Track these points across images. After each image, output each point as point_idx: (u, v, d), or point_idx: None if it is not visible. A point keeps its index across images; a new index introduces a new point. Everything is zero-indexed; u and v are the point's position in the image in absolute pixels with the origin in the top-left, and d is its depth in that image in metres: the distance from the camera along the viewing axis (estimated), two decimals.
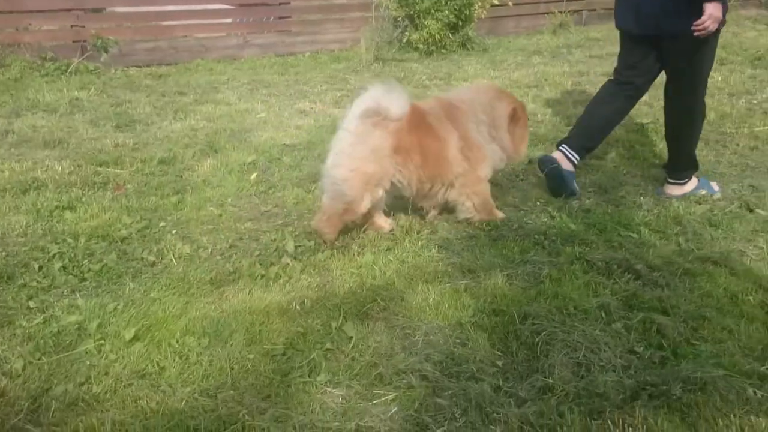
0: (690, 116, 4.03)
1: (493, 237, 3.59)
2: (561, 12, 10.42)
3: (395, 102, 3.29)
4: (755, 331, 2.75)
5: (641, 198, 4.13)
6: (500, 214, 3.81)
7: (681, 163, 4.16)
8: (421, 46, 8.87)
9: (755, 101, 6.16)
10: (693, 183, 4.22)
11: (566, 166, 4.15)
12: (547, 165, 4.16)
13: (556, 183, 4.16)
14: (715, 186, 4.26)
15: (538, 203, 4.08)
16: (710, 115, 5.73)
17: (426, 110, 3.54)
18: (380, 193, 3.44)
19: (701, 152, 4.74)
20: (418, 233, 3.63)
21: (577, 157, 4.19)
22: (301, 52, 9.09)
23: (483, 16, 9.24)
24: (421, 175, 3.48)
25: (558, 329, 2.69)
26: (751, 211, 3.98)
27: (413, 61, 8.51)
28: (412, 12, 8.91)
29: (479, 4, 9.03)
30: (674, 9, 3.64)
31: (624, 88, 4.13)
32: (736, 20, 11.46)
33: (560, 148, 4.22)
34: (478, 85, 4.44)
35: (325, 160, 3.42)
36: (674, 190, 4.20)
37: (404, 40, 9.00)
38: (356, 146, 3.30)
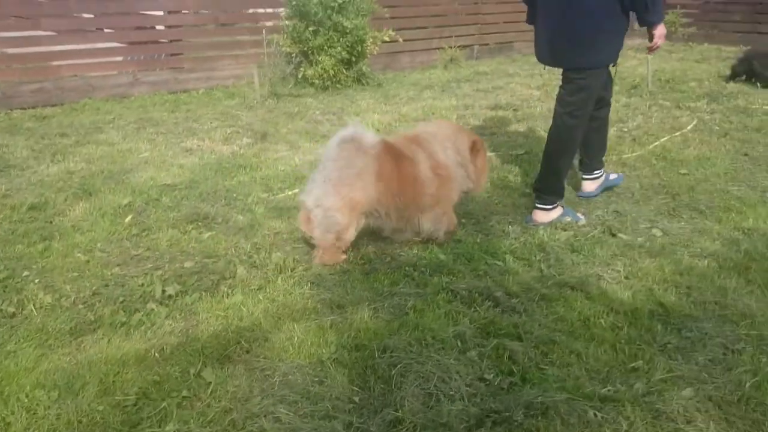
0: (566, 141, 4.31)
1: (365, 271, 3.65)
2: (451, 47, 10.76)
3: (368, 132, 3.62)
4: (603, 354, 2.90)
5: (509, 226, 4.30)
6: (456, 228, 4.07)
7: (549, 184, 4.36)
8: (316, 81, 8.97)
9: (626, 129, 6.54)
10: (558, 211, 4.43)
11: (592, 187, 4.78)
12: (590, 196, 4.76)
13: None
14: (580, 215, 4.49)
15: None
16: None
17: (395, 141, 3.81)
18: (362, 222, 3.64)
19: (571, 179, 4.99)
20: (292, 270, 3.65)
21: (598, 171, 4.75)
22: (195, 89, 9.02)
23: (376, 53, 9.43)
24: (398, 203, 3.65)
25: (414, 360, 2.76)
26: (613, 235, 4.21)
27: (309, 96, 8.59)
28: (306, 48, 9.01)
29: (371, 41, 9.22)
30: (579, 45, 3.97)
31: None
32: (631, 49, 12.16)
33: (583, 177, 4.76)
34: (438, 122, 4.76)
35: (306, 194, 3.60)
36: (541, 217, 4.39)
37: (300, 76, 9.08)
38: (343, 170, 3.49)
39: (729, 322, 3.14)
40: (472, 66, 10.82)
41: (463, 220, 4.40)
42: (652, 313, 3.23)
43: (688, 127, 6.55)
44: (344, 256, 3.73)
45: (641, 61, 10.70)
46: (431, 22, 11.75)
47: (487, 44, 12.41)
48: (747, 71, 8.76)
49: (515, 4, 13.00)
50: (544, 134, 4.89)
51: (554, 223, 4.36)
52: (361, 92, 8.85)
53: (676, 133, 6.36)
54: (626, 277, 3.63)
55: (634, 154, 5.80)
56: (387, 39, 9.46)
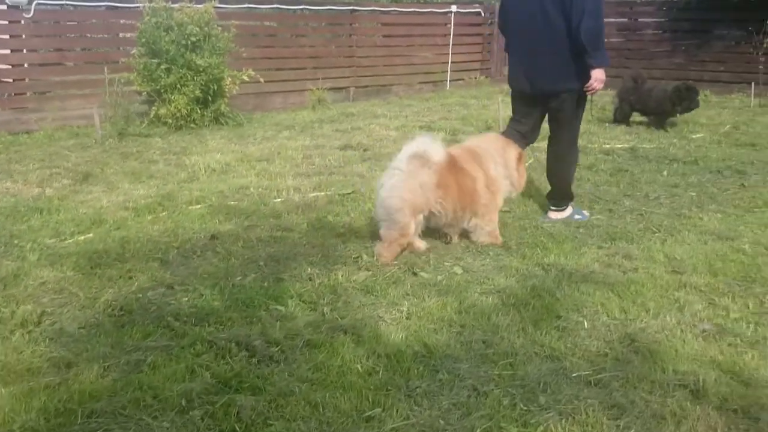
0: (565, 160, 5.11)
1: (120, 323, 3.31)
2: (318, 89, 10.66)
3: (436, 149, 4.26)
4: (345, 402, 2.66)
5: (310, 268, 4.06)
6: (500, 240, 4.61)
7: (559, 195, 5.15)
8: (169, 120, 8.62)
9: None
10: (569, 210, 5.18)
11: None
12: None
13: None
14: (585, 212, 5.25)
15: (204, 278, 3.87)
16: None
17: (457, 155, 4.48)
18: (421, 219, 4.32)
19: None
20: (36, 325, 3.28)
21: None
22: (39, 130, 8.48)
23: (235, 92, 9.19)
24: (456, 206, 4.37)
25: (118, 426, 2.43)
26: (414, 274, 4.05)
27: (158, 136, 8.22)
28: (158, 87, 8.67)
29: (229, 80, 8.99)
30: (559, 74, 4.73)
31: (515, 135, 5.04)
32: (488, 95, 12.43)
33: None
34: (488, 135, 5.29)
35: (378, 195, 4.29)
36: (556, 215, 5.16)
37: (152, 115, 8.71)
38: (407, 181, 4.18)
39: (488, 361, 2.98)
40: (344, 107, 10.73)
41: (261, 263, 4.15)
42: (416, 354, 3.05)
43: (526, 164, 6.57)
44: (423, 247, 4.45)
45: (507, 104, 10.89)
46: (305, 64, 11.68)
47: (365, 86, 12.42)
48: (628, 113, 9.02)
49: (392, 48, 13.19)
50: (377, 173, 5.45)
51: (566, 220, 5.09)
52: (215, 132, 8.55)
53: None
54: (407, 318, 3.45)
55: None
56: (246, 78, 9.24)
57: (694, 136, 8.30)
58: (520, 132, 5.09)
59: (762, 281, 3.90)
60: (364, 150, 7.40)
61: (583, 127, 8.57)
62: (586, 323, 3.34)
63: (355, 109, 10.57)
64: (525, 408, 2.62)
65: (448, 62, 13.70)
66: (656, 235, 4.76)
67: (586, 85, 4.72)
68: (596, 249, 4.49)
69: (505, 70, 14.44)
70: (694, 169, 6.69)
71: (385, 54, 12.98)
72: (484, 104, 11.13)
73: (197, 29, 8.61)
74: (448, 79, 13.74)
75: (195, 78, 8.58)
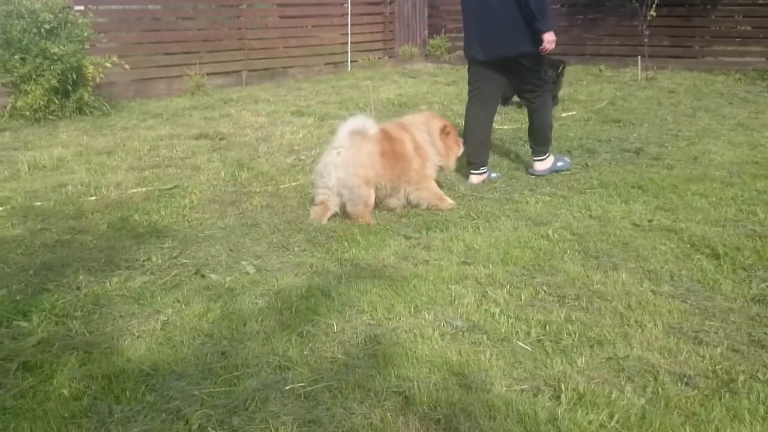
0: (542, 109, 5.69)
1: None
2: (196, 74, 10.29)
3: (370, 123, 4.68)
4: None
5: (83, 275, 3.82)
6: (448, 204, 4.99)
7: (541, 141, 5.75)
8: (27, 113, 8.19)
9: (303, 157, 6.30)
10: (551, 159, 5.82)
11: (479, 180, 5.69)
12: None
13: None
14: (566, 158, 6.00)
15: None
16: (242, 175, 5.74)
17: (387, 127, 4.89)
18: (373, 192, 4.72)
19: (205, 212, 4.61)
20: None
21: (484, 168, 5.71)
22: None
23: (99, 80, 8.78)
24: (393, 173, 4.73)
25: None
26: (202, 276, 3.86)
27: (13, 130, 7.79)
28: (14, 78, 8.22)
29: (92, 68, 8.57)
30: (515, 40, 5.25)
31: (474, 100, 5.64)
32: (385, 75, 12.23)
33: (471, 173, 5.68)
34: (418, 112, 6.24)
35: (324, 176, 4.64)
36: (541, 166, 5.81)
37: (8, 107, 8.26)
38: (357, 156, 4.56)
39: (213, 376, 2.80)
40: (228, 92, 10.38)
41: (32, 272, 3.89)
42: (140, 373, 2.84)
43: None
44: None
45: (385, 88, 10.73)
46: (190, 48, 11.28)
47: (259, 70, 12.08)
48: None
49: (286, 29, 12.85)
50: (221, 164, 5.91)
51: (552, 170, 5.78)
52: (75, 123, 8.15)
53: None
54: (162, 329, 3.24)
55: (294, 183, 5.53)
56: (110, 66, 8.84)
57: (564, 115, 8.25)
58: (481, 99, 5.61)
59: (549, 270, 3.82)
60: (220, 139, 7.13)
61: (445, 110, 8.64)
62: (336, 326, 3.18)
63: (239, 94, 10.26)
64: None
65: (347, 43, 13.43)
66: (473, 222, 4.66)
67: (540, 48, 5.27)
68: (403, 240, 4.36)
69: (416, 49, 14.43)
70: None
71: (279, 36, 12.64)
72: (377, 86, 10.92)
73: (51, 16, 8.16)
74: (349, 60, 13.48)
75: (51, 67, 8.14)
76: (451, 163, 5.23)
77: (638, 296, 3.45)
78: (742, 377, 2.72)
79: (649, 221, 4.52)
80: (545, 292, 3.55)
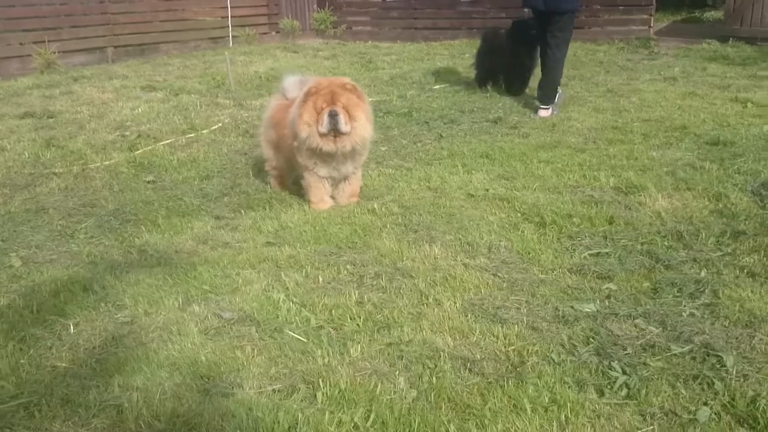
0: (560, 65, 6.44)
1: None
2: (46, 51, 9.41)
3: (293, 86, 4.16)
4: None
5: None
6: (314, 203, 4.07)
7: (550, 91, 6.41)
8: None
9: (128, 133, 5.68)
10: (551, 107, 6.40)
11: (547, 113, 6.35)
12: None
13: None
14: (560, 91, 6.67)
15: None
16: (47, 154, 5.09)
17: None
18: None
19: None
20: None
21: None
22: None
23: None
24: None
25: None
26: None
27: None
28: None
29: None
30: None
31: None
32: (265, 51, 11.60)
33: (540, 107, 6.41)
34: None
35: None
36: (545, 113, 6.34)
37: None
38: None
39: None
40: (84, 70, 9.53)
41: None
42: None
43: (210, 129, 5.87)
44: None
45: (260, 63, 10.12)
46: (45, 24, 10.33)
47: (126, 46, 11.24)
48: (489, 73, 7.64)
49: (156, 2, 12.01)
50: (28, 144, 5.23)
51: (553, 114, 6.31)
52: None
53: (190, 135, 5.64)
54: None
55: (107, 162, 4.94)
56: None
57: (436, 87, 7.91)
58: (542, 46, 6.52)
59: (361, 247, 3.42)
60: (48, 117, 6.42)
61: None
62: (73, 327, 2.67)
63: (95, 71, 9.44)
64: None
65: (228, 17, 12.70)
66: (301, 199, 4.20)
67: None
68: (212, 221, 3.87)
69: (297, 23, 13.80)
70: (402, 122, 6.24)
71: (148, 9, 11.79)
72: (252, 60, 10.31)
73: None
74: (230, 35, 12.76)
75: None
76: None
77: (446, 271, 3.08)
78: (533, 359, 2.38)
79: (486, 191, 4.19)
80: (348, 271, 3.14)
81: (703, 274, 2.93)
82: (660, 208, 3.79)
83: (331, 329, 2.63)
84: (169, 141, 5.42)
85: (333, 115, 3.73)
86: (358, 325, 2.65)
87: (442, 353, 2.43)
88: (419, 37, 12.66)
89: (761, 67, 8.39)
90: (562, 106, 6.57)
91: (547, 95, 6.40)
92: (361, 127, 3.83)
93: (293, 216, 3.88)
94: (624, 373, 2.22)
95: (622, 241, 3.37)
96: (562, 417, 2.07)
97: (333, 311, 2.75)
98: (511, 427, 2.04)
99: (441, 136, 5.68)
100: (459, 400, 2.18)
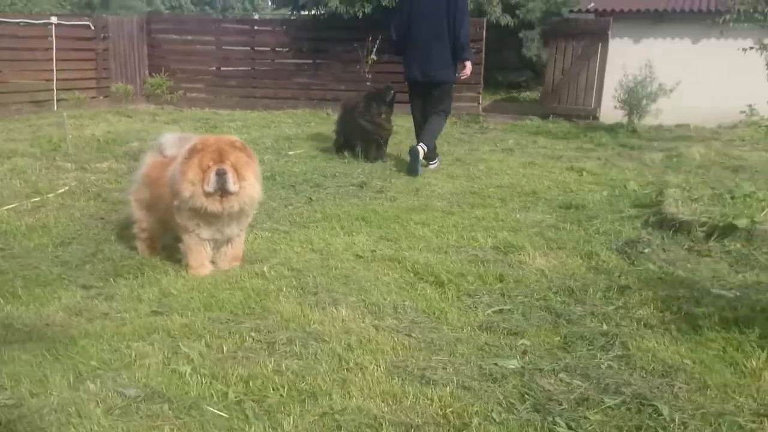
0: (441, 126, 7.19)
1: None
2: None
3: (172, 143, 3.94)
4: None
5: None
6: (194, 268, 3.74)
7: (433, 151, 7.07)
8: None
9: None
10: (437, 162, 7.15)
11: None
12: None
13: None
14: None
15: None
16: None
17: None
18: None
19: None
20: None
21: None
22: None
23: None
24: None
25: None
26: None
27: None
28: None
29: None
30: (444, 68, 6.86)
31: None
32: (93, 114, 10.90)
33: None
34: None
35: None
36: (433, 166, 7.04)
37: None
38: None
39: None
40: None
41: None
42: None
43: (56, 193, 5.34)
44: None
45: (93, 126, 9.51)
46: None
47: None
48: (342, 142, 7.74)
49: None
50: None
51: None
52: None
53: (35, 199, 5.08)
54: None
55: None
56: None
57: (291, 153, 7.85)
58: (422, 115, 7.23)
59: (260, 312, 3.20)
60: None
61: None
62: None
63: None
64: None
65: (53, 80, 11.83)
66: (176, 264, 3.88)
67: (461, 74, 7.03)
68: (80, 291, 3.44)
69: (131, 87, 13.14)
70: (268, 185, 6.04)
71: None
72: (83, 124, 9.63)
73: None
74: (55, 98, 11.86)
75: None
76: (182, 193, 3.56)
77: (359, 333, 2.96)
78: (476, 420, 2.31)
79: (372, 252, 4.14)
80: (253, 339, 2.91)
81: (605, 327, 3.06)
82: (540, 265, 3.97)
83: (252, 402, 2.39)
84: (13, 205, 4.82)
85: (221, 174, 3.50)
86: (281, 395, 2.44)
87: (382, 420, 2.28)
88: (259, 105, 12.61)
89: (583, 140, 9.30)
90: (422, 173, 6.79)
91: (425, 140, 6.93)
92: (250, 187, 3.62)
93: (175, 282, 3.56)
94: (570, 428, 2.22)
95: (519, 297, 3.47)
96: None
97: (250, 382, 2.51)
98: None
99: (311, 199, 5.60)
100: None
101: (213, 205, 3.54)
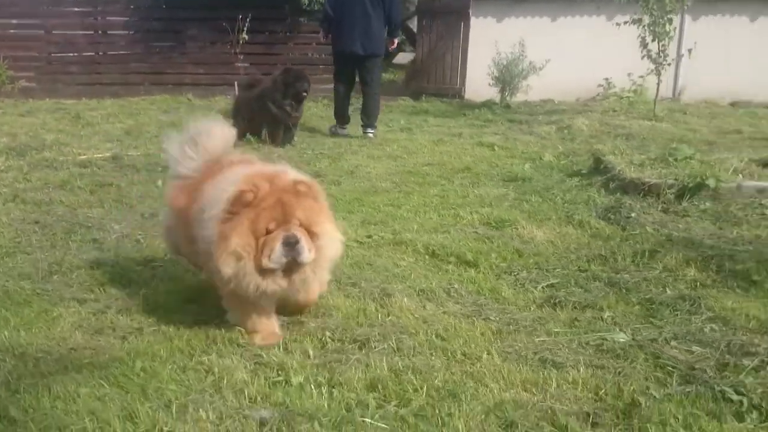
0: (377, 95, 7.93)
1: None
2: None
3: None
4: None
5: None
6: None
7: (375, 119, 7.81)
8: None
9: None
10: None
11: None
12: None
13: None
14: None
15: None
16: None
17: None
18: None
19: None
20: None
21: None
22: None
23: None
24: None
25: None
26: None
27: None
28: None
29: None
30: (380, 41, 7.70)
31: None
32: None
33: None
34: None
35: None
36: (373, 132, 7.72)
37: None
38: None
39: None
40: None
41: None
42: None
43: None
44: None
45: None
46: None
47: None
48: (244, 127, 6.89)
49: None
50: None
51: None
52: None
53: None
54: None
55: None
56: None
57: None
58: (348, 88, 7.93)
59: (317, 312, 2.79)
60: None
61: (61, 137, 6.77)
62: None
63: None
64: None
65: None
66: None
67: (390, 48, 8.09)
68: (75, 304, 2.82)
69: None
70: None
71: None
72: None
73: None
74: None
75: None
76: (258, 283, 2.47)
77: (437, 322, 2.70)
78: (640, 398, 2.16)
79: (369, 237, 3.89)
80: (332, 339, 2.55)
81: (669, 292, 3.05)
82: (544, 238, 3.92)
83: (397, 407, 2.07)
84: None
85: (291, 244, 2.41)
86: (423, 396, 2.14)
87: (549, 410, 2.07)
88: (107, 93, 11.38)
89: (469, 118, 9.45)
90: (342, 153, 6.50)
91: (371, 122, 7.70)
92: (329, 243, 2.54)
93: (192, 286, 3.03)
94: (739, 393, 2.15)
95: (557, 270, 3.39)
96: None
97: (379, 386, 2.18)
98: None
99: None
100: None
101: (275, 285, 2.46)
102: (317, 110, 10.21)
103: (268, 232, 2.39)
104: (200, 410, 2.03)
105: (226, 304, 2.63)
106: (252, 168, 2.68)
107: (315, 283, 2.59)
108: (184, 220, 2.74)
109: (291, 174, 2.57)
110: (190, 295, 2.97)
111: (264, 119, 7.03)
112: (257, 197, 2.40)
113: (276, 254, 2.37)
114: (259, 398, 2.12)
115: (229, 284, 2.44)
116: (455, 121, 9.19)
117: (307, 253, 2.41)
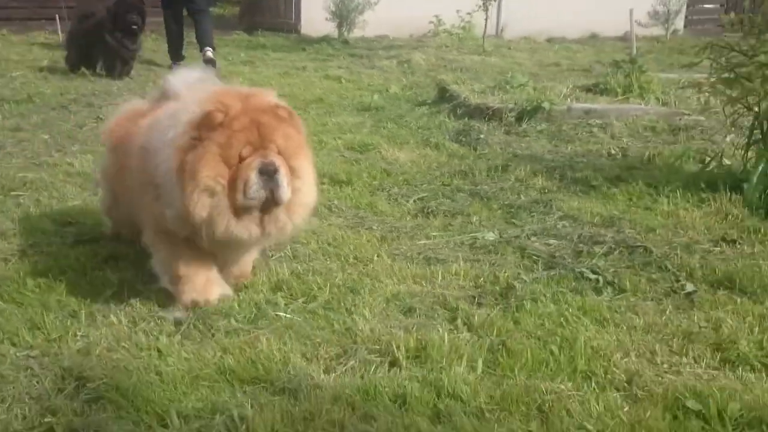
0: (211, 23, 7.90)
1: None
2: None
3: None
4: None
5: None
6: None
7: (212, 41, 7.71)
8: None
9: None
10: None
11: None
12: None
13: None
14: None
15: None
16: None
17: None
18: None
19: None
20: None
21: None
22: None
23: None
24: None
25: None
26: None
27: None
28: None
29: None
30: None
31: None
32: None
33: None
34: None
35: None
36: (210, 52, 7.49)
37: None
38: None
39: None
40: None
41: None
42: None
43: None
44: None
45: None
46: None
47: None
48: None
49: None
50: None
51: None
52: None
53: None
54: None
55: None
56: None
57: (15, 74, 6.59)
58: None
59: None
60: None
61: None
62: None
63: None
64: None
65: None
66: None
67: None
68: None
69: None
70: (31, 108, 5.13)
71: None
72: None
73: None
74: None
75: None
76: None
77: (325, 234, 2.87)
78: (515, 283, 2.46)
79: None
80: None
81: (523, 198, 3.43)
82: (406, 158, 4.20)
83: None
84: None
85: (270, 172, 2.03)
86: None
87: (442, 297, 2.35)
88: None
89: (309, 52, 9.46)
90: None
91: (209, 41, 7.61)
92: (308, 188, 2.20)
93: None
94: (595, 272, 2.54)
95: (423, 185, 3.67)
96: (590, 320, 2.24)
97: None
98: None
99: (100, 119, 4.88)
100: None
101: (247, 231, 2.09)
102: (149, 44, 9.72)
103: (242, 159, 2.02)
104: (111, 316, 2.09)
105: (150, 243, 2.27)
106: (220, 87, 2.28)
107: (288, 233, 2.21)
108: (124, 154, 2.33)
109: (268, 96, 2.19)
110: (64, 218, 2.92)
111: (100, 51, 6.64)
112: (231, 118, 2.02)
113: (252, 186, 2.00)
114: (169, 305, 2.20)
115: (198, 229, 2.03)
116: (297, 56, 9.18)
117: (286, 188, 2.06)
